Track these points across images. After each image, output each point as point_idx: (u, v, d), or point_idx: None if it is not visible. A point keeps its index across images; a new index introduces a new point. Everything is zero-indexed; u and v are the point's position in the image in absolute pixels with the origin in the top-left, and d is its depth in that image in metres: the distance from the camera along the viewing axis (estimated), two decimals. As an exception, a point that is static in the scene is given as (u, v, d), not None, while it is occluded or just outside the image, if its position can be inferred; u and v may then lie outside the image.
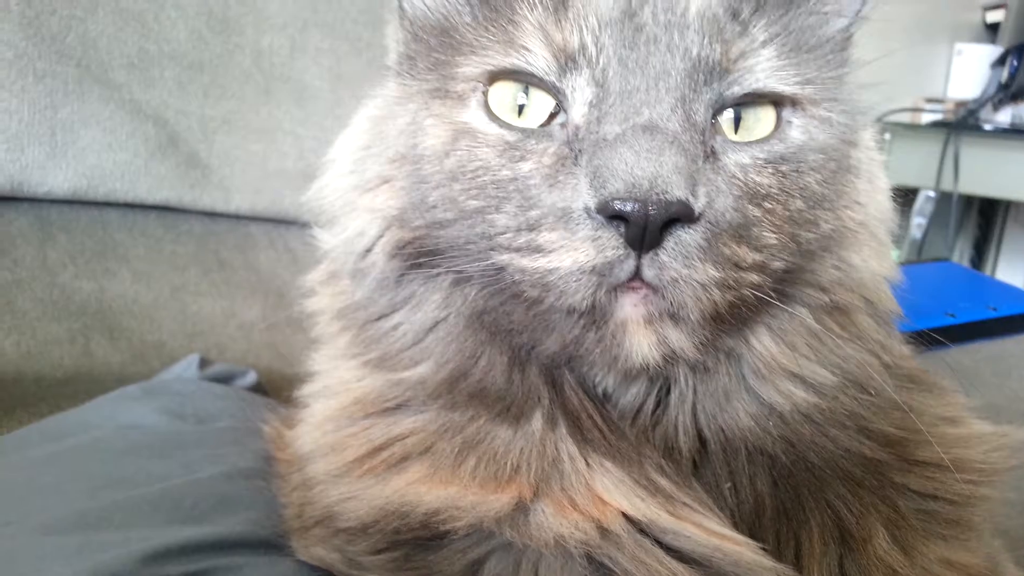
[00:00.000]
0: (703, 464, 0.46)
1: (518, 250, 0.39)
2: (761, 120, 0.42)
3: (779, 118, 0.43)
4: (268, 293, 1.20)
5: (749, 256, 0.39)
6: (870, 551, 0.44)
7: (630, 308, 0.39)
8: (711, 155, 0.40)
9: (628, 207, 0.35)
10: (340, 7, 1.25)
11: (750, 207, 0.40)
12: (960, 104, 2.44)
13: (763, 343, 0.44)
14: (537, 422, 0.44)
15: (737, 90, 0.41)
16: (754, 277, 0.40)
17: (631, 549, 0.41)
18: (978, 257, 2.78)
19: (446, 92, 0.44)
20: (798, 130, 0.43)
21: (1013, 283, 1.28)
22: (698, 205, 0.37)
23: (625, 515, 0.42)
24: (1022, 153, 2.07)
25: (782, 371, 0.45)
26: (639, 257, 0.37)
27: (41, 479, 0.59)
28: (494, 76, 0.42)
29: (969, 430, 0.49)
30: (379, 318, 0.48)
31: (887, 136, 2.36)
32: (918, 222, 2.40)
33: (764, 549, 0.42)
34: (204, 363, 0.97)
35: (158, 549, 0.48)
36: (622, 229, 0.36)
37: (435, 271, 0.45)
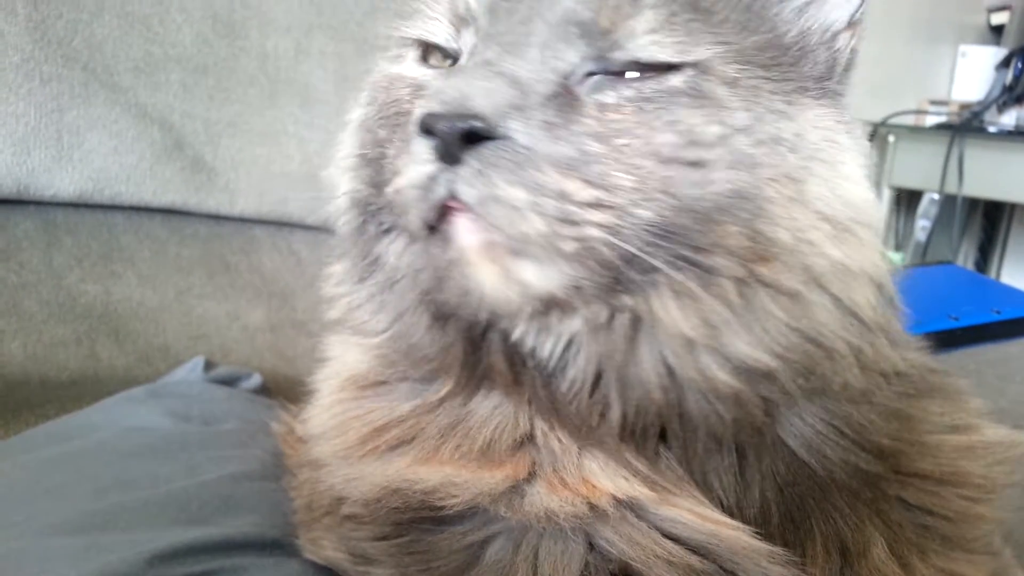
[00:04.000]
0: (673, 448, 0.44)
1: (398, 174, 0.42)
2: None
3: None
4: (272, 296, 1.20)
5: (583, 191, 0.37)
6: (867, 563, 0.44)
7: (465, 234, 0.39)
8: (571, 97, 0.40)
9: (432, 119, 0.38)
10: (345, 10, 1.25)
11: (591, 142, 0.38)
12: (964, 106, 2.44)
13: (668, 311, 0.40)
14: (495, 397, 0.45)
15: (620, 55, 0.40)
16: (597, 215, 0.37)
17: (626, 530, 0.41)
18: (983, 260, 2.78)
19: (397, 56, 0.51)
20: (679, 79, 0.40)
21: (1018, 286, 1.27)
22: (501, 122, 0.37)
23: (615, 497, 0.42)
24: (1027, 155, 2.07)
25: (702, 345, 0.40)
26: (452, 171, 0.38)
27: (47, 481, 0.60)
28: (416, 41, 0.49)
29: (978, 438, 0.48)
30: (359, 280, 0.49)
31: (891, 138, 2.36)
32: (922, 225, 2.39)
33: (759, 534, 0.42)
34: (209, 366, 0.97)
35: (164, 550, 0.48)
36: (433, 142, 0.38)
37: (384, 226, 0.47)
